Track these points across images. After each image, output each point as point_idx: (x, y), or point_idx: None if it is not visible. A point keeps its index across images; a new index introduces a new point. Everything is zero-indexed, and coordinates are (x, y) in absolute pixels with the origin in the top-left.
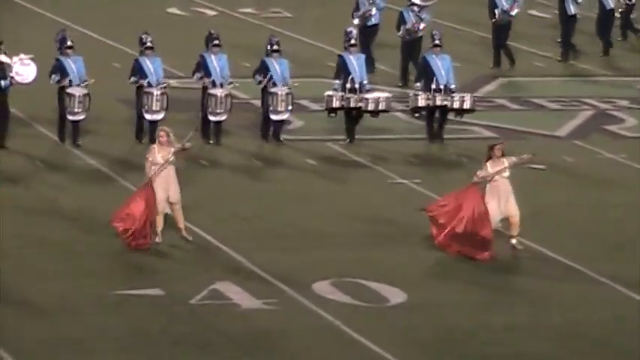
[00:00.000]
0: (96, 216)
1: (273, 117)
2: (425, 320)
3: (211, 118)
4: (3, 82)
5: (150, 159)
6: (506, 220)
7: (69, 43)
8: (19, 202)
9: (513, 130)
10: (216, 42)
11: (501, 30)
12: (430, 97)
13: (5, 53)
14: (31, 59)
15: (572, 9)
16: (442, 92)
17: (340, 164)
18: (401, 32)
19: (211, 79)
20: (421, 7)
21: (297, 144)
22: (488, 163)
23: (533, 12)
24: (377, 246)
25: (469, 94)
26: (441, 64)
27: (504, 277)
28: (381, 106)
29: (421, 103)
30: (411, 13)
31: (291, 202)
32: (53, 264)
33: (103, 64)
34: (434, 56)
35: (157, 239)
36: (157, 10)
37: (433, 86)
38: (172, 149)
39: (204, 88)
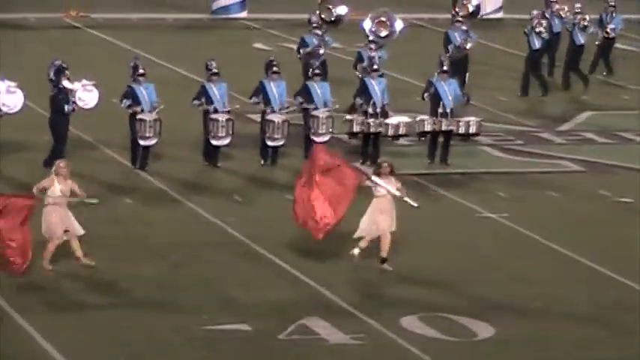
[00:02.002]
0: (184, 251)
1: (315, 139)
2: (513, 355)
3: (269, 143)
4: (66, 107)
5: (45, 187)
6: (377, 238)
7: (141, 70)
8: (108, 237)
9: (601, 164)
10: (275, 69)
11: (458, 64)
12: (436, 121)
13: (69, 79)
14: (94, 85)
15: (580, 39)
16: (448, 117)
17: (428, 198)
18: (359, 70)
19: (270, 106)
20: (379, 46)
21: None
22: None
23: (619, 45)
24: (464, 280)
25: (475, 119)
26: (448, 90)
27: (595, 311)
28: (402, 131)
29: (427, 128)
30: (369, 51)
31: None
32: (142, 300)
33: (187, 99)
34: (442, 82)
35: (49, 267)
36: (242, 45)
37: (440, 110)
38: (71, 184)
39: (263, 114)
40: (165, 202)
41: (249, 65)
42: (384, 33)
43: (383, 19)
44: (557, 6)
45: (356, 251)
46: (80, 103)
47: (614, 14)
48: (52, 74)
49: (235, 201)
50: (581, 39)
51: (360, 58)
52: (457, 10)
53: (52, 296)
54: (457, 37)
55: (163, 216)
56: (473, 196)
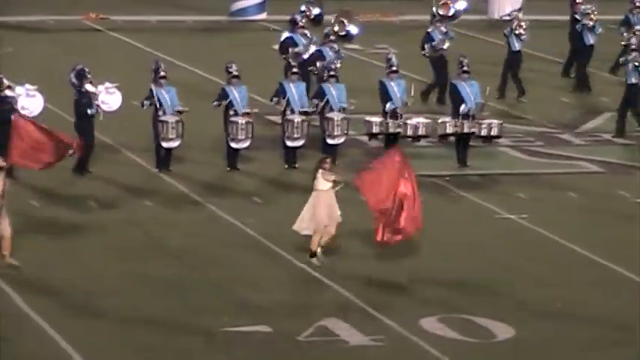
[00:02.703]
0: (203, 253)
1: (330, 141)
2: (533, 356)
3: (288, 143)
4: (89, 111)
5: None
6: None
7: (162, 73)
8: (126, 240)
9: (620, 165)
10: (295, 70)
11: (437, 62)
12: (458, 124)
13: (91, 82)
14: (117, 88)
15: (590, 40)
16: (470, 119)
17: (447, 199)
18: (318, 68)
19: (290, 107)
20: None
21: None
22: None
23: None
24: (483, 281)
25: (496, 121)
26: (470, 91)
27: (614, 312)
28: (421, 132)
29: (449, 130)
30: (329, 50)
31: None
32: (161, 302)
33: (206, 101)
34: (463, 83)
35: None
36: (260, 47)
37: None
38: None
39: (283, 114)
40: (184, 204)
41: (268, 67)
42: (336, 28)
43: (342, 19)
44: (582, 7)
45: (315, 260)
46: (104, 106)
47: None
48: (73, 78)
49: (255, 203)
50: (590, 39)
51: (320, 56)
52: (437, 10)
53: (71, 298)
54: (439, 37)
55: (182, 218)
56: (492, 198)
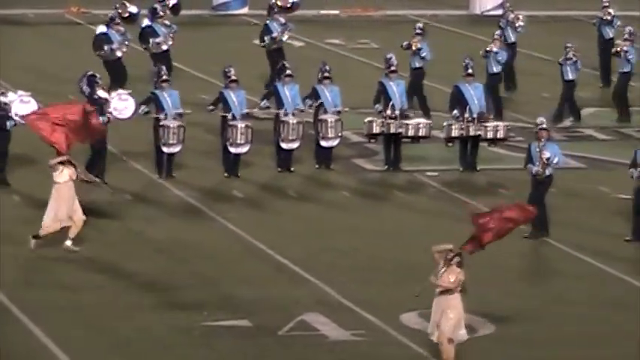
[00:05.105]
0: (185, 249)
1: (323, 143)
2: (512, 352)
3: (283, 145)
4: (101, 118)
5: None
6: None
7: (164, 77)
8: (108, 234)
9: (601, 160)
10: (288, 72)
11: (274, 54)
12: (463, 127)
13: (103, 88)
14: (129, 94)
15: (609, 32)
16: (475, 121)
17: (428, 195)
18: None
19: (283, 109)
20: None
21: (387, 177)
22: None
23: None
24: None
25: (502, 124)
26: (474, 93)
27: (595, 308)
28: (422, 132)
29: (455, 133)
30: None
31: (380, 235)
32: (142, 297)
33: (190, 96)
34: (467, 85)
35: None
36: (242, 41)
37: (466, 115)
38: None
39: (277, 116)
40: (167, 198)
41: (249, 61)
42: (120, 10)
43: (124, 1)
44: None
45: (34, 243)
46: (116, 113)
47: None
48: (84, 86)
49: (236, 197)
50: (609, 33)
51: (106, 39)
52: (275, 1)
53: (52, 293)
54: (277, 28)
55: (164, 213)
56: (473, 193)
